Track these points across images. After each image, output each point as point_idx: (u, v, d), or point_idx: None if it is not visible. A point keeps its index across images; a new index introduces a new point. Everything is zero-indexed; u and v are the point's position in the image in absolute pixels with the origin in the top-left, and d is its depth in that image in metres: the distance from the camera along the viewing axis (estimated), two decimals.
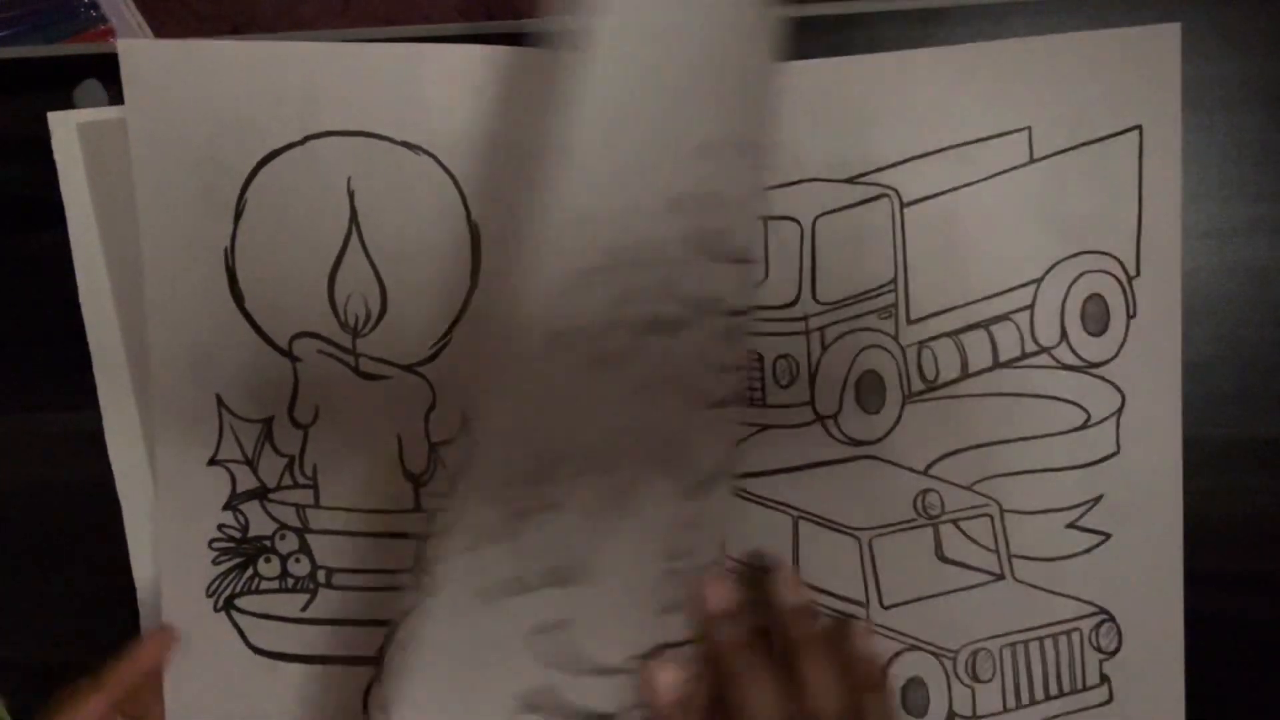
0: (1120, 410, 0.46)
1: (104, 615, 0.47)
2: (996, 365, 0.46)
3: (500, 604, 0.37)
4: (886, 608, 0.46)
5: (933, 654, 0.46)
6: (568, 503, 0.37)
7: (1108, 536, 0.47)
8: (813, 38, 0.45)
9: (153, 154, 0.42)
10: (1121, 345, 0.46)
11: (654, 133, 0.35)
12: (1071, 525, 0.47)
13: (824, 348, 0.46)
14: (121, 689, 0.42)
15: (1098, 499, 0.46)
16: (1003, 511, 0.46)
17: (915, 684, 0.46)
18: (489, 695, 0.38)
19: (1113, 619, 0.47)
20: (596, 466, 0.37)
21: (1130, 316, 0.46)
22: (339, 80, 0.42)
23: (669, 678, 0.39)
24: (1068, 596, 0.47)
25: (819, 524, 0.46)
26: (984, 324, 0.46)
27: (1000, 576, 0.46)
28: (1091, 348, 0.46)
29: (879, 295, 0.46)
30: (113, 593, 0.46)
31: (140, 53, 0.42)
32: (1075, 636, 0.47)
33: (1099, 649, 0.46)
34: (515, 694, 0.38)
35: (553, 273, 0.34)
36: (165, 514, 0.44)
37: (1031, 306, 0.46)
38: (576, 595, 0.37)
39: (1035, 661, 0.46)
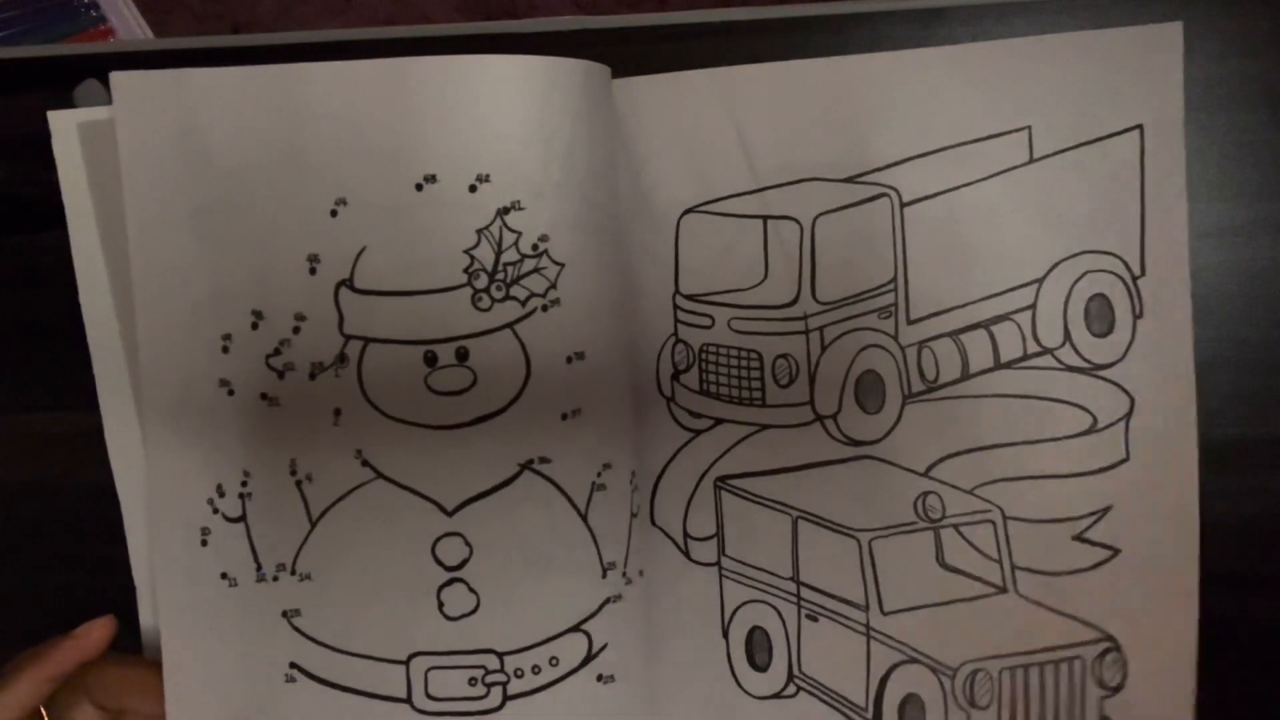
0: (1129, 414, 0.45)
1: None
2: (998, 366, 0.46)
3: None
4: (886, 614, 0.45)
5: (931, 669, 0.44)
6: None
7: (1116, 552, 0.45)
8: (813, 38, 0.45)
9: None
10: (1129, 346, 0.45)
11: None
12: (1078, 537, 0.45)
13: (824, 347, 0.45)
14: (60, 666, 0.41)
15: (1106, 510, 0.45)
16: (1005, 518, 0.45)
17: (912, 701, 0.45)
18: (257, 663, 0.43)
19: (1118, 648, 0.45)
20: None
21: (1137, 317, 0.45)
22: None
23: None
24: (1071, 617, 0.45)
25: (818, 524, 0.46)
26: (985, 324, 0.46)
27: (1002, 589, 0.45)
28: (1097, 349, 0.46)
29: (879, 295, 0.45)
30: (113, 593, 0.46)
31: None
32: (1077, 665, 0.45)
33: (1101, 683, 0.45)
34: (281, 662, 0.43)
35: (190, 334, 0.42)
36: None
37: (1033, 306, 0.46)
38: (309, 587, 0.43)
39: (1034, 691, 0.44)
